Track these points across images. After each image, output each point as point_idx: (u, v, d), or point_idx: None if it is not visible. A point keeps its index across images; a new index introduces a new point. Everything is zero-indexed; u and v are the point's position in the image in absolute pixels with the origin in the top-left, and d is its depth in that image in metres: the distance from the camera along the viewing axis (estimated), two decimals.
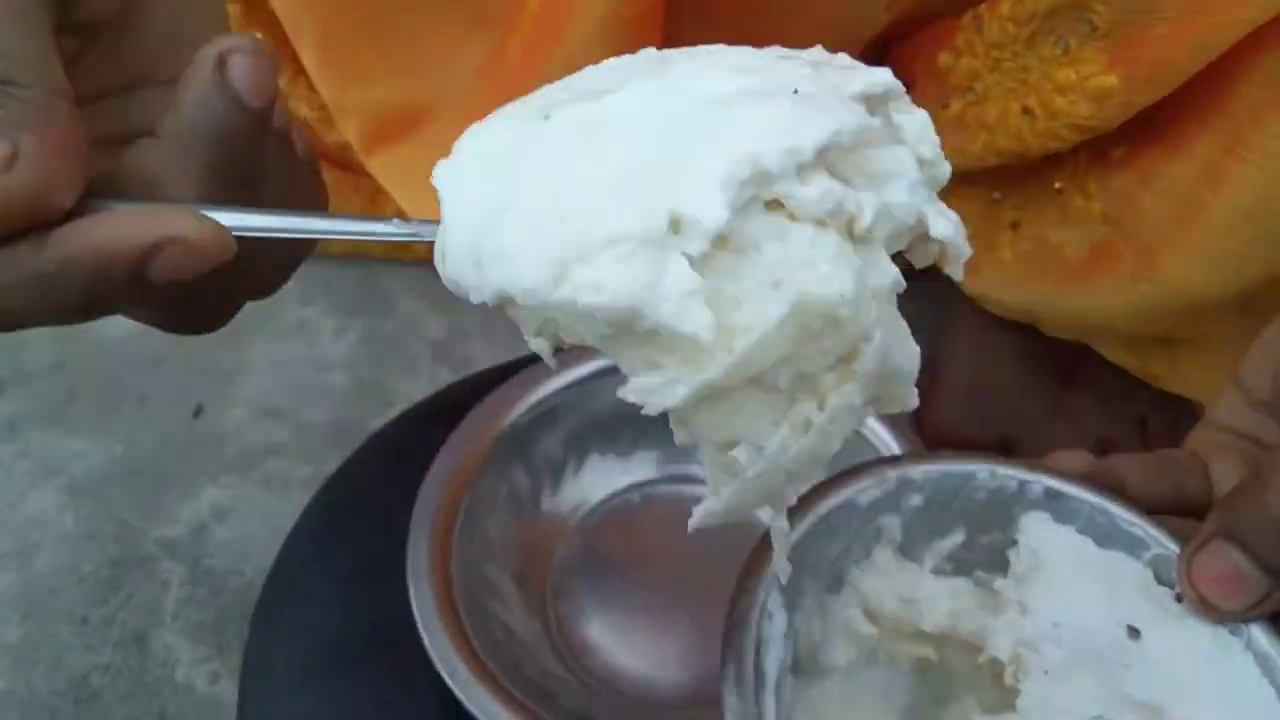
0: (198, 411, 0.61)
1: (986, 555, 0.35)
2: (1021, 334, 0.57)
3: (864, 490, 0.34)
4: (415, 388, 0.62)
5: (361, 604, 0.45)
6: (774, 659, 0.30)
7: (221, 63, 0.25)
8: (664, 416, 0.23)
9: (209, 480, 0.58)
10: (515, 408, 0.49)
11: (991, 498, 0.34)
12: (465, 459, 0.47)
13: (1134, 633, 0.31)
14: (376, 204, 0.64)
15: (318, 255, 0.69)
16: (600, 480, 0.52)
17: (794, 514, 0.32)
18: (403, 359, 0.64)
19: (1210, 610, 0.31)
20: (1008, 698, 0.30)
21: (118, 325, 0.65)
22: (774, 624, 0.31)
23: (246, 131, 0.26)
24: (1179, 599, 0.32)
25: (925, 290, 0.66)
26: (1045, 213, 0.48)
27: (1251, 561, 0.30)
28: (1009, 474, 0.34)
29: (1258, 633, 0.31)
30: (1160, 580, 0.33)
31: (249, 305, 0.60)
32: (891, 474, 0.34)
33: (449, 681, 0.39)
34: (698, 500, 0.24)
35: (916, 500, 0.34)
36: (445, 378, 0.63)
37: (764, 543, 0.31)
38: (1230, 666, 0.31)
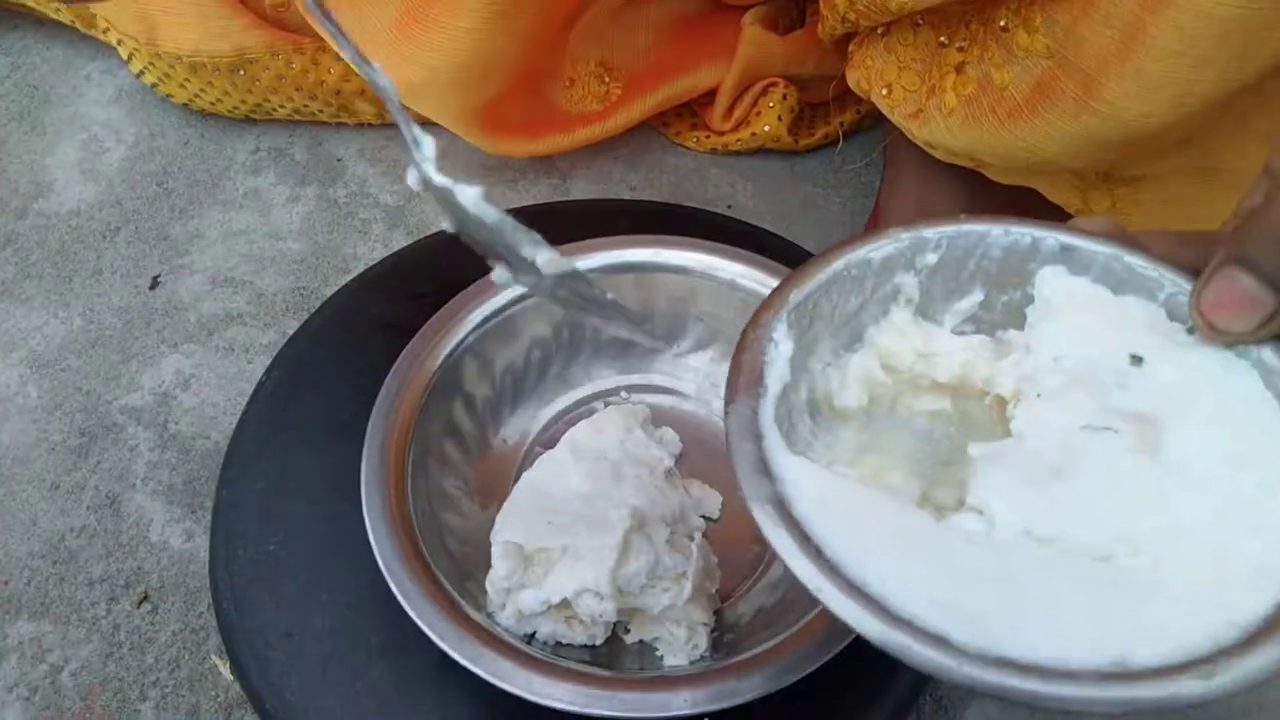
0: (154, 282, 0.61)
1: (1006, 314, 0.35)
2: (965, 182, 0.58)
3: (878, 247, 0.34)
4: (371, 253, 0.63)
5: (323, 456, 0.47)
6: (776, 377, 0.32)
7: None
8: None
9: (170, 349, 0.59)
10: (465, 325, 0.48)
11: (1006, 254, 0.35)
12: (415, 377, 0.46)
13: (1136, 360, 0.31)
14: (319, 64, 0.63)
15: (262, 123, 0.69)
16: (556, 395, 0.52)
17: (808, 267, 0.34)
18: (356, 225, 0.64)
19: (1219, 335, 0.31)
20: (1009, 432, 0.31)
21: (67, 199, 0.65)
22: (779, 350, 0.32)
23: None
24: (1190, 332, 0.32)
25: (876, 142, 0.67)
26: (989, 52, 0.48)
27: (1259, 282, 0.29)
28: (1023, 231, 0.34)
29: (1269, 353, 0.30)
30: (1173, 318, 0.32)
31: (195, 176, 0.60)
32: (905, 234, 0.35)
33: (400, 600, 0.39)
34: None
35: (931, 258, 0.35)
36: (400, 242, 0.63)
37: (780, 285, 0.33)
38: (1233, 384, 0.30)
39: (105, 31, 0.67)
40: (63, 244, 0.63)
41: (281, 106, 0.66)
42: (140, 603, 0.50)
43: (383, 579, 0.39)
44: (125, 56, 0.66)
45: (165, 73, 0.65)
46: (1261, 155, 0.46)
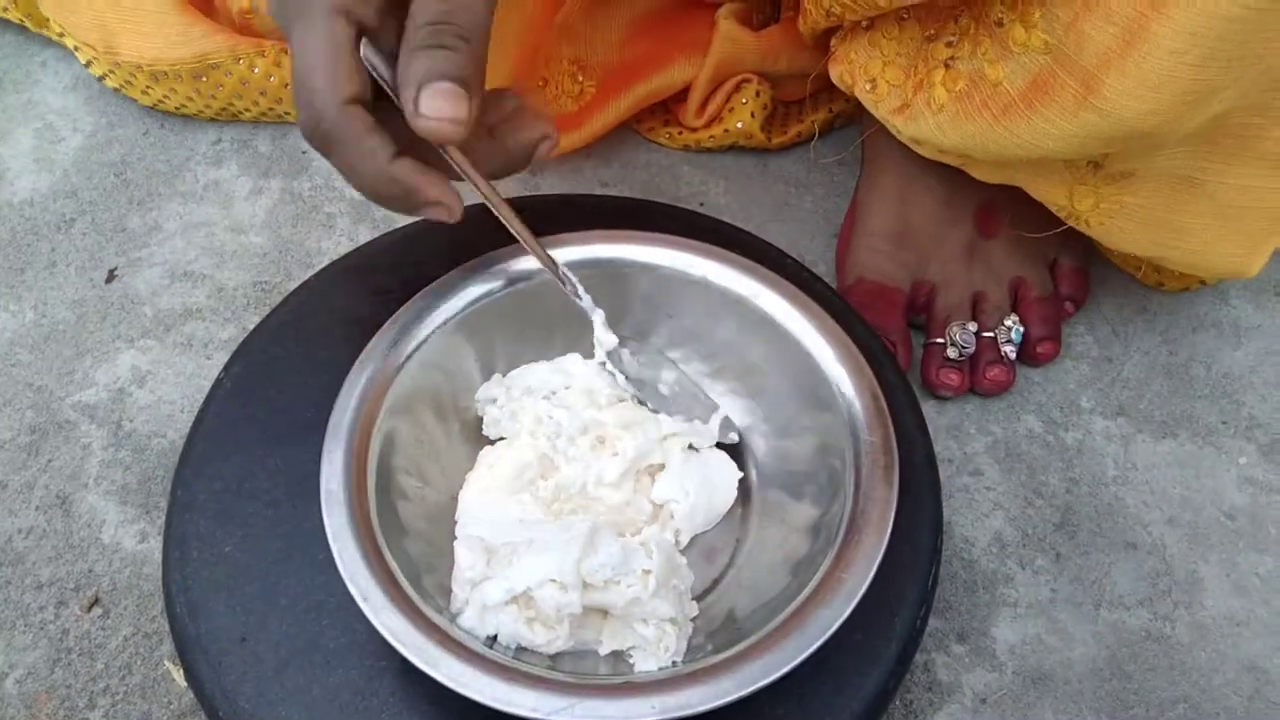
0: (110, 276, 0.60)
1: None
2: (947, 179, 0.57)
3: None
4: (336, 247, 0.61)
5: (282, 455, 0.45)
6: None
7: None
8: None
9: (126, 344, 0.57)
10: (430, 321, 0.47)
11: None
12: (378, 374, 0.45)
13: None
14: (283, 66, 0.63)
15: (228, 118, 0.67)
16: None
17: None
18: (321, 218, 0.63)
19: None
20: None
21: (20, 189, 0.63)
22: None
23: None
24: None
25: (850, 140, 0.67)
26: (982, 47, 0.47)
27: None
28: None
29: None
30: None
31: (155, 167, 0.59)
32: None
33: (361, 604, 0.38)
34: None
35: None
36: (365, 236, 0.61)
37: None
38: None
39: (60, 35, 0.66)
40: (15, 235, 0.61)
41: (248, 110, 0.65)
42: (90, 606, 0.48)
43: (341, 582, 0.38)
44: (85, 62, 0.65)
45: (127, 79, 0.64)
46: (1255, 179, 0.47)
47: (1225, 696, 0.49)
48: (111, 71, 0.64)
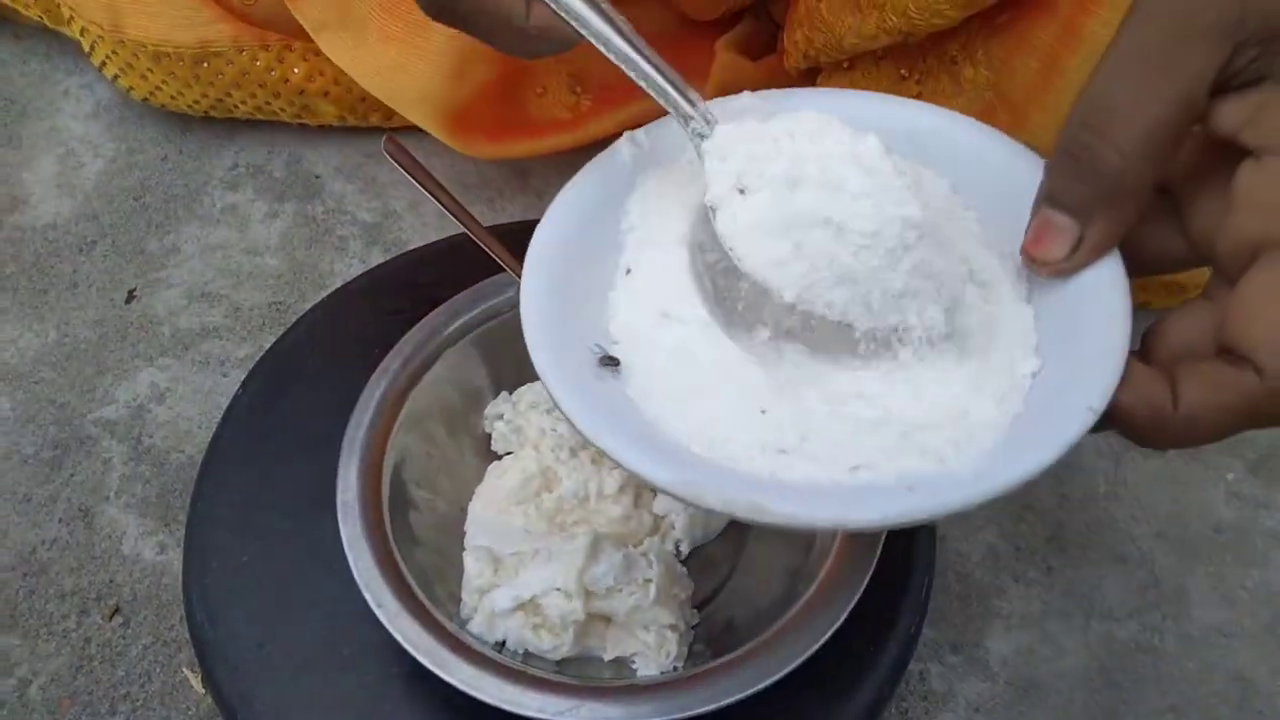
0: (130, 296, 0.62)
1: None
2: None
3: None
4: (348, 269, 0.63)
5: (298, 469, 0.47)
6: None
7: None
8: None
9: (145, 362, 0.59)
10: (440, 340, 0.49)
11: None
12: (391, 391, 0.47)
13: None
14: (284, 61, 0.64)
15: (241, 139, 0.69)
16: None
17: None
18: (334, 241, 0.65)
19: (1043, 267, 0.34)
20: None
21: (43, 213, 0.65)
22: None
23: None
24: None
25: None
26: (941, 84, 0.50)
27: (1062, 213, 0.33)
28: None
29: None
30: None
31: (173, 191, 0.60)
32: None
33: (376, 611, 0.40)
34: None
35: None
36: (377, 259, 0.63)
37: None
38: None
39: (69, 21, 0.66)
40: (38, 257, 0.63)
41: (243, 103, 0.66)
42: (111, 615, 0.50)
43: (356, 590, 0.40)
44: (87, 48, 0.66)
45: (128, 62, 0.65)
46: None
47: (1213, 706, 0.50)
48: (114, 54, 0.64)
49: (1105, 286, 0.33)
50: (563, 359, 0.33)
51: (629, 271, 0.37)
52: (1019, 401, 0.32)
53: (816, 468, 0.31)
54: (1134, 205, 0.32)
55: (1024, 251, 0.34)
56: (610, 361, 0.34)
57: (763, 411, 0.32)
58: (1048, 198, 0.33)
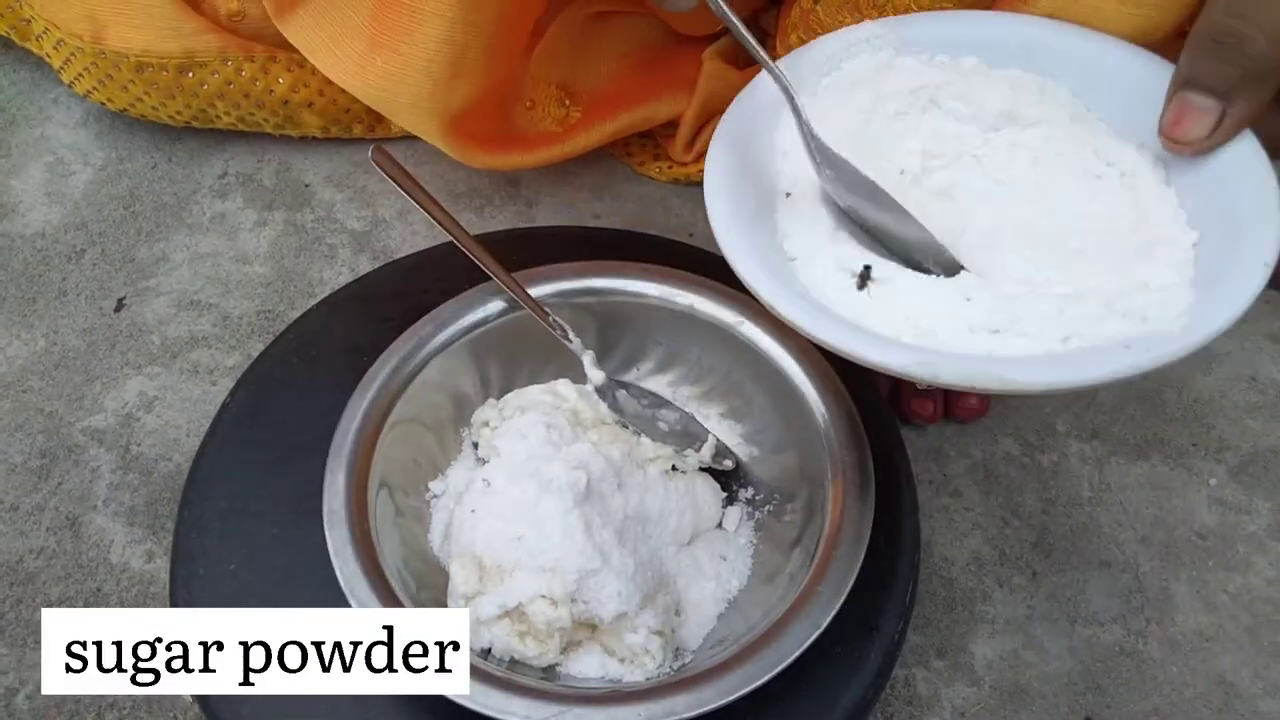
0: (119, 305, 0.62)
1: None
2: None
3: None
4: (337, 277, 0.63)
5: (286, 477, 0.47)
6: None
7: None
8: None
9: (134, 371, 0.59)
10: (428, 348, 0.49)
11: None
12: (379, 399, 0.47)
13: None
14: (269, 72, 0.64)
15: (230, 148, 0.69)
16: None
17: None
18: (323, 249, 0.65)
19: (1183, 147, 0.37)
20: None
21: (32, 222, 0.65)
22: None
23: None
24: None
25: None
26: None
27: (1202, 94, 0.36)
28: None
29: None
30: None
31: (162, 200, 0.59)
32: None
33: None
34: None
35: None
36: (365, 267, 0.64)
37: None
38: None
39: (39, 38, 0.66)
40: (27, 266, 0.63)
41: (226, 114, 0.66)
42: None
43: (342, 597, 0.40)
44: (59, 65, 0.65)
45: (108, 74, 0.64)
46: None
47: (1196, 709, 0.50)
48: (91, 67, 0.64)
49: (1247, 158, 0.37)
50: (766, 271, 0.38)
51: (788, 195, 0.42)
52: (1191, 268, 0.37)
53: (1031, 342, 0.36)
54: (1272, 85, 0.35)
55: (1164, 134, 0.37)
56: (867, 277, 0.39)
57: (968, 299, 0.37)
58: (1186, 81, 0.36)
